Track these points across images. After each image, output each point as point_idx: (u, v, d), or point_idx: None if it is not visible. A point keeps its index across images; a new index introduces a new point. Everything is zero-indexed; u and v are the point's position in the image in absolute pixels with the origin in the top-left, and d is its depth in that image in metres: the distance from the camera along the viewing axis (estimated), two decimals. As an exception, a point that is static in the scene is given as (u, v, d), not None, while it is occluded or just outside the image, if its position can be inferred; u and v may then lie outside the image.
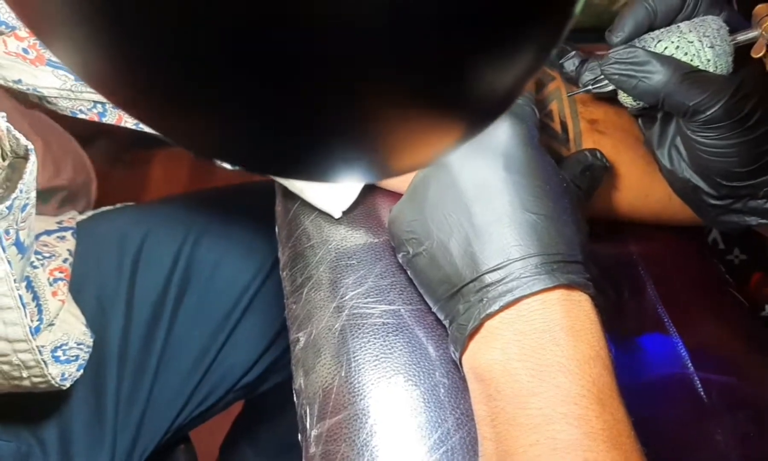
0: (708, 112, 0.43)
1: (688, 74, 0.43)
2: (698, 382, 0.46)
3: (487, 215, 0.38)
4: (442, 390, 0.41)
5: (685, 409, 0.45)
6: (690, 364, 0.47)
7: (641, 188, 0.52)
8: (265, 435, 0.86)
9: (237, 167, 0.28)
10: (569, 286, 0.37)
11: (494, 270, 0.37)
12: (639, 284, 0.52)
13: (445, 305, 0.40)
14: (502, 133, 0.40)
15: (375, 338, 0.42)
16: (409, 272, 0.43)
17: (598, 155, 0.47)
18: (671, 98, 0.44)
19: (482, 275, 0.38)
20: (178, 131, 0.25)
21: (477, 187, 0.39)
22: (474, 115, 0.26)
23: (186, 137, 0.26)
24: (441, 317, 0.41)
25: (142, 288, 0.66)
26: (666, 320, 0.49)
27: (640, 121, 0.53)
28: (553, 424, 0.33)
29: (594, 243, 0.54)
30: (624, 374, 0.46)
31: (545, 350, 0.35)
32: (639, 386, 0.46)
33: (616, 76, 0.45)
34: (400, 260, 0.43)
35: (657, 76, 0.44)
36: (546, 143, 0.49)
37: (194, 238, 0.68)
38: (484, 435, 0.36)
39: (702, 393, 0.46)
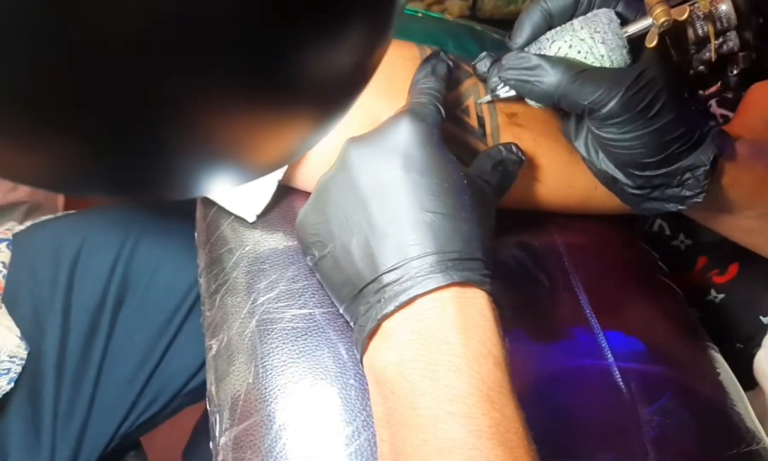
0: (604, 109, 0.43)
1: (580, 73, 0.43)
2: (617, 372, 0.46)
3: (385, 215, 0.38)
4: (353, 392, 0.41)
5: (602, 399, 0.45)
6: (610, 354, 0.47)
7: (564, 179, 0.52)
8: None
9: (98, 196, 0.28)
10: (464, 284, 0.37)
11: (391, 270, 0.37)
12: (564, 275, 0.51)
13: (349, 307, 0.40)
14: (400, 132, 0.40)
15: (284, 342, 0.42)
16: (317, 275, 0.43)
17: (513, 148, 0.47)
18: (566, 99, 0.44)
19: (380, 275, 0.37)
20: (22, 172, 0.24)
21: (375, 187, 0.39)
22: (320, 101, 0.26)
23: (31, 176, 0.25)
24: (347, 318, 0.41)
25: (79, 298, 0.65)
26: (588, 311, 0.49)
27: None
28: (441, 423, 0.33)
29: (522, 235, 0.54)
30: (548, 362, 0.46)
31: (437, 349, 0.35)
32: (560, 374, 0.46)
33: (512, 82, 0.45)
34: (309, 263, 0.43)
35: (548, 78, 0.43)
36: (463, 138, 0.49)
37: (132, 244, 0.68)
38: (380, 436, 0.36)
39: (621, 383, 0.46)
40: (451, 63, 0.48)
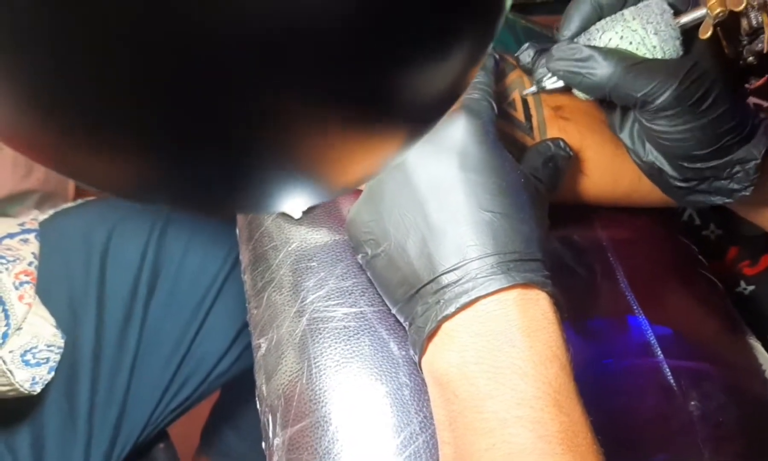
0: (657, 102, 0.42)
1: (633, 66, 0.42)
2: (668, 370, 0.46)
3: (442, 215, 0.38)
4: (407, 392, 0.41)
5: (655, 399, 0.45)
6: (659, 352, 0.47)
7: (610, 172, 0.52)
8: (245, 419, 0.87)
9: (181, 211, 0.27)
10: (526, 285, 0.36)
11: (451, 271, 0.37)
12: (609, 270, 0.51)
13: (404, 307, 0.39)
14: (456, 130, 0.39)
15: (336, 342, 0.42)
16: (368, 274, 0.42)
17: (561, 144, 0.46)
18: (618, 91, 0.43)
19: (439, 276, 0.37)
20: (100, 176, 0.23)
21: (432, 186, 0.38)
22: (413, 120, 0.25)
23: (111, 182, 0.24)
24: (401, 319, 0.40)
25: (113, 285, 0.65)
26: (635, 307, 0.49)
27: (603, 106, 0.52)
28: (509, 428, 0.33)
29: (564, 229, 0.53)
30: (594, 362, 0.46)
31: (501, 352, 0.35)
32: (609, 376, 0.46)
33: (561, 73, 0.44)
34: (360, 262, 0.42)
35: (600, 70, 0.43)
36: (510, 132, 0.48)
37: (159, 230, 0.68)
38: (443, 439, 0.36)
39: (672, 382, 0.46)
40: (497, 56, 0.47)
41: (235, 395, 0.89)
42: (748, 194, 0.47)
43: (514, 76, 0.50)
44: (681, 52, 0.44)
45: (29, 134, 0.21)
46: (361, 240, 0.41)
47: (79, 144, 0.21)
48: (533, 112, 0.49)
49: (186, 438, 0.94)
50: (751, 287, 0.68)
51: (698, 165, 0.46)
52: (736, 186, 0.47)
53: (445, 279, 0.37)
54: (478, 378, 0.35)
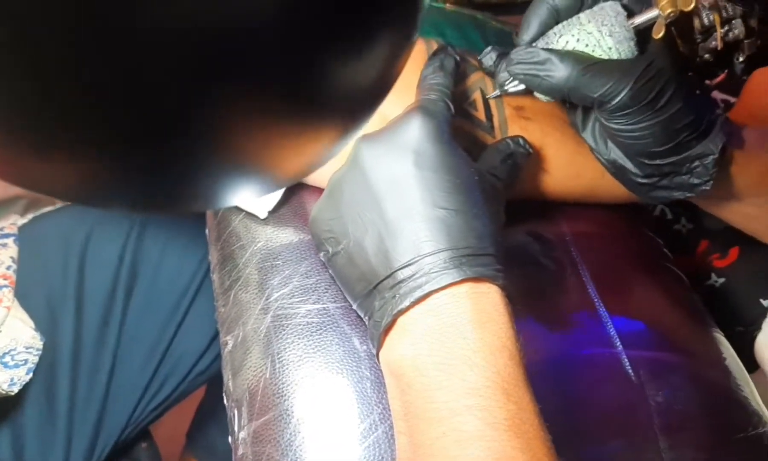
0: (614, 102, 0.43)
1: (589, 67, 0.43)
2: (626, 360, 0.47)
3: (398, 212, 0.39)
4: (368, 385, 0.42)
5: (613, 388, 0.46)
6: (618, 342, 0.48)
7: (572, 169, 0.53)
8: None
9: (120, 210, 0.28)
10: (477, 279, 0.37)
11: (406, 266, 0.38)
12: (572, 263, 0.52)
13: (363, 303, 0.40)
14: (412, 129, 0.40)
15: (299, 338, 0.43)
16: (330, 271, 0.43)
17: (521, 141, 0.47)
18: (576, 92, 0.44)
19: (395, 271, 0.38)
20: (45, 181, 0.24)
21: (388, 184, 0.39)
22: (345, 113, 0.26)
23: (64, 189, 0.25)
24: (361, 314, 0.41)
25: (91, 287, 0.66)
26: (596, 300, 0.50)
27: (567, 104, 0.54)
28: (458, 416, 0.34)
29: (531, 223, 0.54)
30: (555, 352, 0.47)
31: (453, 343, 0.36)
32: (570, 363, 0.47)
33: (522, 76, 0.46)
34: (322, 259, 0.44)
35: (558, 73, 0.44)
36: (471, 131, 0.49)
37: (137, 232, 0.69)
38: (398, 429, 0.37)
39: (630, 371, 0.47)
40: (458, 57, 0.48)
41: (220, 394, 0.90)
42: (708, 188, 0.48)
43: (475, 78, 0.51)
44: (636, 53, 0.45)
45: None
46: (322, 239, 0.42)
47: (29, 152, 0.22)
48: (494, 112, 0.50)
49: (172, 437, 0.95)
50: (722, 280, 0.69)
51: (657, 161, 0.47)
52: (696, 181, 0.48)
53: (401, 275, 0.38)
54: (431, 369, 0.36)
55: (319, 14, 0.21)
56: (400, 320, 0.38)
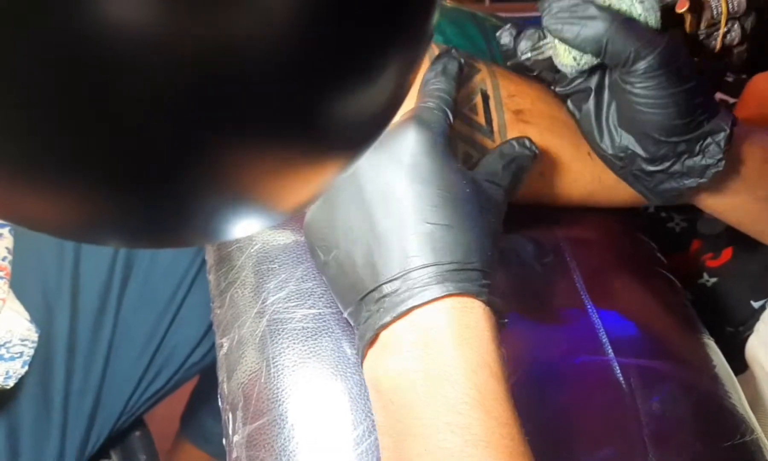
0: (648, 58, 0.44)
1: (627, 21, 0.45)
2: (617, 368, 0.48)
3: (388, 225, 0.39)
4: (363, 391, 0.42)
5: (603, 395, 0.47)
6: (610, 350, 0.48)
7: (569, 173, 0.53)
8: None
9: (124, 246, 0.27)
10: (461, 294, 0.37)
11: (392, 280, 0.38)
12: (565, 268, 0.52)
13: (353, 313, 0.41)
14: (406, 141, 0.40)
15: (294, 342, 0.43)
16: (323, 278, 0.44)
17: (527, 143, 0.47)
18: (613, 45, 0.44)
19: (381, 285, 0.38)
20: (49, 221, 0.24)
21: (380, 196, 0.39)
22: (350, 144, 0.26)
23: (62, 226, 0.25)
24: (351, 322, 0.42)
25: (87, 277, 0.66)
26: (589, 305, 0.50)
27: (570, 105, 0.53)
28: (439, 434, 0.34)
29: (524, 227, 0.54)
30: (545, 358, 0.47)
31: (433, 360, 0.36)
32: (561, 371, 0.48)
33: (559, 26, 0.46)
34: (315, 265, 0.44)
35: (599, 21, 0.44)
36: (470, 135, 0.49)
37: None
38: (382, 444, 0.38)
39: (621, 379, 0.47)
40: (462, 61, 0.48)
41: (214, 380, 0.90)
42: (720, 168, 0.48)
43: (478, 80, 0.51)
44: (659, 26, 0.46)
45: None
46: (315, 245, 0.43)
47: (23, 189, 0.22)
48: (494, 115, 0.50)
49: (166, 422, 0.96)
50: (714, 280, 0.69)
51: (674, 138, 0.48)
52: (709, 161, 0.48)
53: (386, 288, 0.38)
54: (411, 385, 0.36)
55: (329, 51, 0.20)
56: (383, 334, 0.38)
